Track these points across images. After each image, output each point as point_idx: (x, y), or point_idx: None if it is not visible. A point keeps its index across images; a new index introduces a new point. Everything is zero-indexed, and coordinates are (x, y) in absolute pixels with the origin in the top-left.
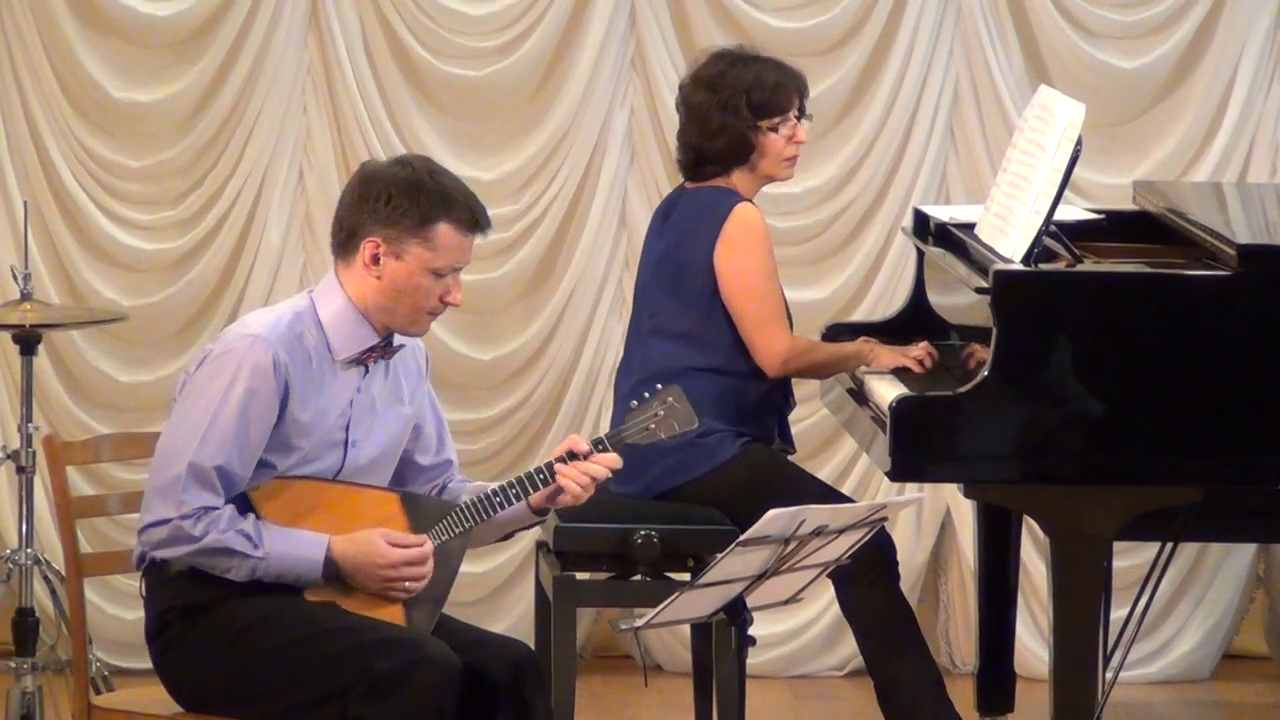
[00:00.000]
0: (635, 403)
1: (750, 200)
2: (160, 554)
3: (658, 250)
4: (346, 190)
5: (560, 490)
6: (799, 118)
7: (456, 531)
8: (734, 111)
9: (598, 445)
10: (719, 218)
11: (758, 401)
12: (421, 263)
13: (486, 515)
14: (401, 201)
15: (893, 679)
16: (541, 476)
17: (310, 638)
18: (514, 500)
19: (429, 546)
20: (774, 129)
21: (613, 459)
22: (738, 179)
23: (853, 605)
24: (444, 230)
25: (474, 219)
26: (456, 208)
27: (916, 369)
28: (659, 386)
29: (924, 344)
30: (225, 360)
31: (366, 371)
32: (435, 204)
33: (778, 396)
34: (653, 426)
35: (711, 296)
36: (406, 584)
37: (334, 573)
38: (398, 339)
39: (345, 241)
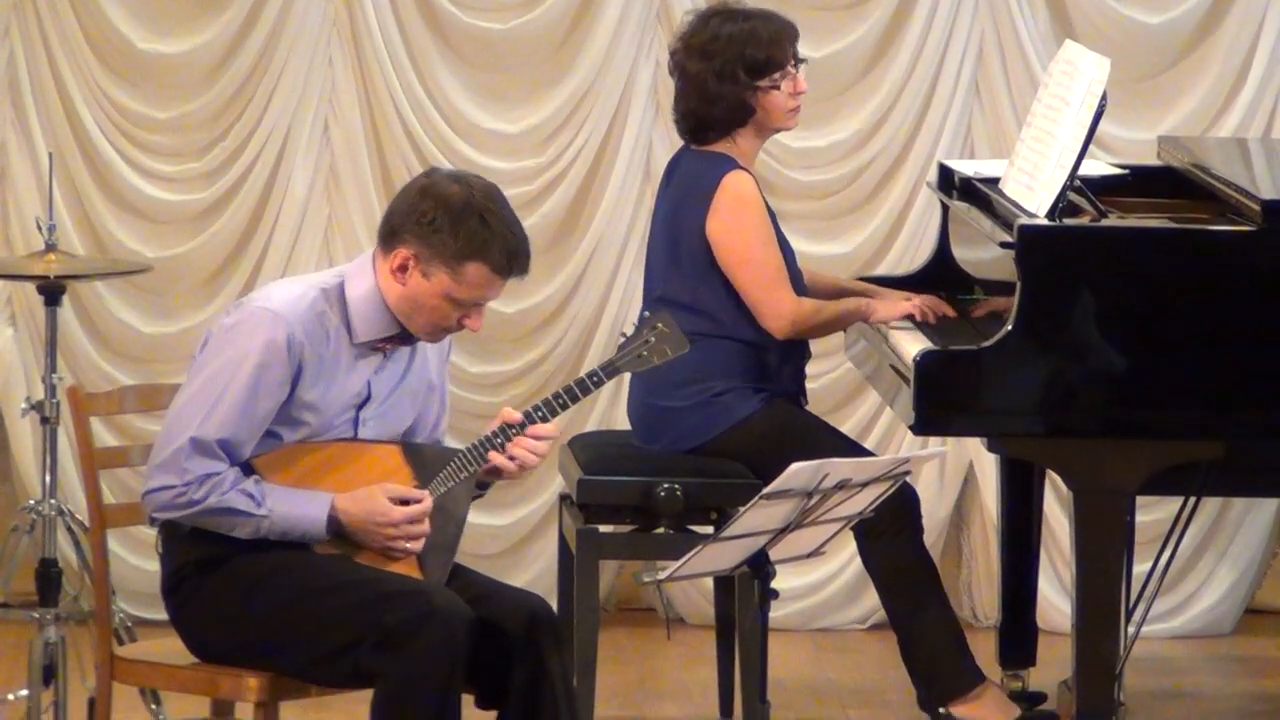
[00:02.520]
0: (625, 333)
1: (750, 161)
2: (164, 516)
3: (661, 215)
4: (406, 188)
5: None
6: (796, 66)
7: (461, 478)
8: (730, 78)
9: (592, 378)
10: (709, 189)
11: (773, 359)
12: (445, 289)
13: (508, 438)
14: (443, 227)
15: (913, 632)
16: (541, 414)
17: (321, 591)
18: (510, 439)
19: (428, 504)
20: (775, 86)
21: (549, 429)
22: (741, 139)
23: (874, 557)
24: (474, 268)
25: (509, 265)
26: (494, 252)
27: (916, 316)
28: (646, 314)
29: (921, 297)
30: (241, 332)
31: (385, 357)
32: (474, 242)
33: (795, 351)
34: (645, 353)
35: (708, 267)
36: (407, 544)
37: (338, 530)
38: None
39: (387, 237)
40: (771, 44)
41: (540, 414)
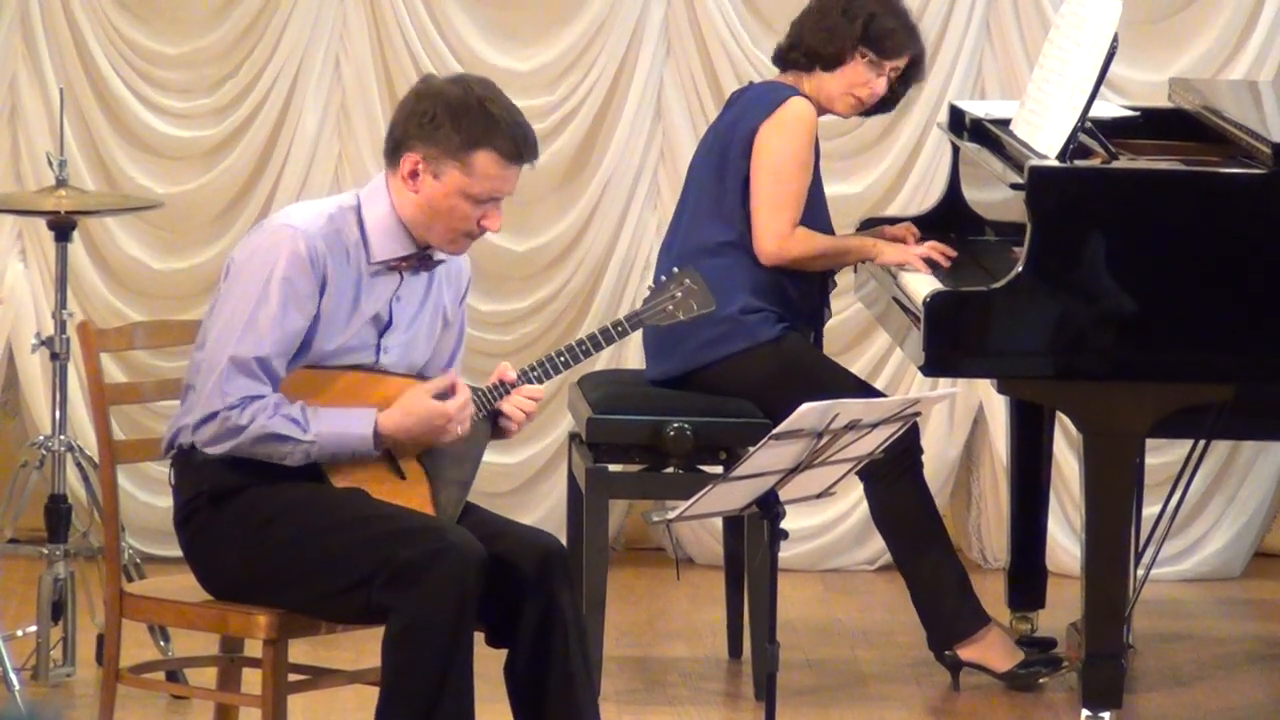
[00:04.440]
0: (653, 285)
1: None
2: (214, 450)
3: (713, 134)
4: (403, 100)
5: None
6: (892, 80)
7: (480, 415)
8: (849, 18)
9: (616, 328)
10: (775, 102)
11: (796, 294)
12: (458, 186)
13: (503, 394)
14: (444, 122)
15: (917, 575)
16: (564, 360)
17: (334, 526)
18: (532, 382)
19: (466, 391)
20: (873, 63)
21: (535, 390)
22: (808, 83)
23: (876, 501)
24: (483, 157)
25: (517, 150)
26: (499, 137)
27: (923, 269)
28: (675, 270)
29: (931, 242)
30: (263, 250)
31: (402, 279)
32: (477, 130)
33: (816, 298)
34: (670, 308)
35: (749, 179)
36: (458, 428)
37: (385, 444)
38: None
39: (392, 151)
40: (904, 35)
41: (564, 360)
